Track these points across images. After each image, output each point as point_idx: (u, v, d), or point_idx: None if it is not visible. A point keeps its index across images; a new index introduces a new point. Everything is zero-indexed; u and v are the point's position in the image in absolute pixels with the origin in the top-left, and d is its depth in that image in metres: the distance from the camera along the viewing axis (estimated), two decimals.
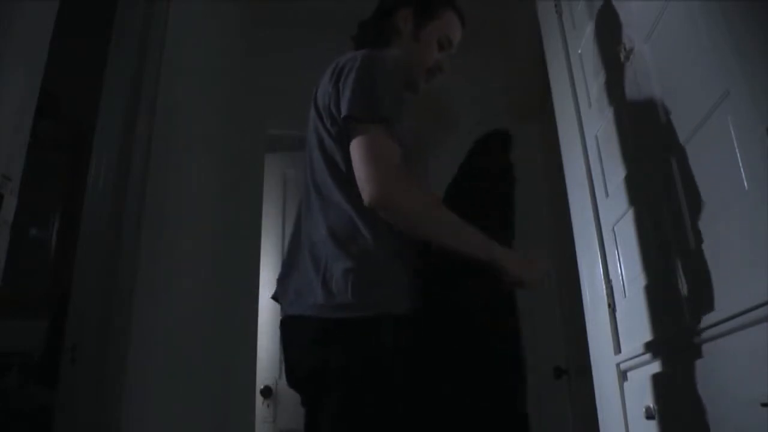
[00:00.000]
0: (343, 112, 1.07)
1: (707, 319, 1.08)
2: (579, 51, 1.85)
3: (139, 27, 1.76)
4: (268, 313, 2.77)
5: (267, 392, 2.71)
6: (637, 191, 1.45)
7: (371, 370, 1.01)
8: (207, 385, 2.09)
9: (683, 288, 1.21)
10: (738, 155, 0.99)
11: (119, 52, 1.73)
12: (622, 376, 1.51)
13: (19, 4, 1.05)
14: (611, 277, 1.61)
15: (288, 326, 1.16)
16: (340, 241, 1.08)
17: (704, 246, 1.13)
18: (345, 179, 1.10)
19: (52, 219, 2.71)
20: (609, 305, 1.59)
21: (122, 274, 1.53)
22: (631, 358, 1.45)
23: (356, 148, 1.05)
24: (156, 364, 1.68)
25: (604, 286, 1.62)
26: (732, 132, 1.01)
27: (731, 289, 1.02)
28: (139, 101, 1.69)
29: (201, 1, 2.28)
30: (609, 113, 1.59)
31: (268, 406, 2.72)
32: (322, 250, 1.09)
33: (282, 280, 1.21)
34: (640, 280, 1.41)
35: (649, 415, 1.32)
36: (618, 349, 1.54)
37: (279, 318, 1.21)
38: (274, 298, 1.25)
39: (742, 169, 0.98)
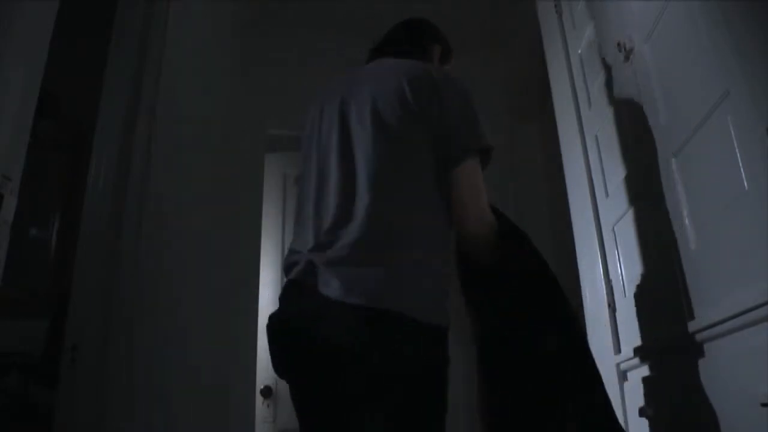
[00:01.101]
0: (465, 140, 1.11)
1: (707, 319, 1.08)
2: (579, 51, 1.85)
3: (139, 27, 1.76)
4: (268, 313, 2.77)
5: (267, 392, 2.72)
6: (637, 191, 1.45)
7: (436, 379, 1.00)
8: (207, 385, 2.09)
9: (683, 288, 1.20)
10: (738, 155, 0.99)
11: (119, 52, 1.73)
12: (622, 376, 1.51)
13: (19, 4, 1.05)
14: (611, 277, 1.61)
15: (343, 312, 0.99)
16: (428, 242, 1.05)
17: (704, 246, 1.13)
18: (430, 178, 1.09)
19: (52, 219, 2.71)
20: (609, 305, 1.59)
21: (122, 274, 1.53)
22: (631, 358, 1.45)
23: (465, 180, 1.10)
24: (156, 364, 1.68)
25: (604, 286, 1.62)
26: (732, 132, 1.01)
27: (731, 289, 1.02)
28: (139, 101, 1.69)
29: (201, 1, 2.28)
30: (609, 113, 1.59)
31: (268, 406, 2.72)
32: (387, 240, 1.02)
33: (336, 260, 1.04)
34: (640, 280, 1.42)
35: (648, 415, 1.32)
36: (618, 349, 1.54)
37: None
38: (297, 278, 1.08)
39: (742, 169, 0.98)
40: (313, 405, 1.08)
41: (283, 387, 2.71)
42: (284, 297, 1.13)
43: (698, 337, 1.13)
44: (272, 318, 1.13)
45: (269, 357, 1.14)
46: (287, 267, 1.14)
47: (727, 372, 1.04)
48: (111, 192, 1.59)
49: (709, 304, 1.09)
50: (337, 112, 1.19)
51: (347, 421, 0.99)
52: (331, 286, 1.01)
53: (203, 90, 2.21)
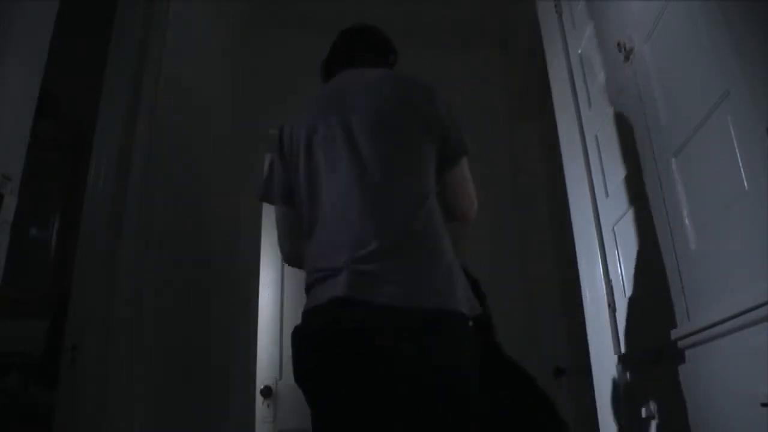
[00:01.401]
0: (460, 141, 1.21)
1: (707, 319, 1.08)
2: (579, 51, 1.86)
3: (139, 27, 1.76)
4: (268, 313, 2.77)
5: (267, 392, 2.71)
6: (637, 191, 1.45)
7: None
8: (207, 385, 2.09)
9: (683, 288, 1.21)
10: (738, 155, 0.99)
11: (119, 52, 1.73)
12: (623, 376, 1.51)
13: (19, 4, 1.05)
14: (611, 277, 1.61)
15: (407, 317, 1.00)
16: (448, 241, 1.11)
17: (704, 246, 1.13)
18: (428, 180, 1.15)
19: (52, 219, 2.70)
20: (609, 305, 1.59)
21: (122, 274, 1.53)
22: (630, 358, 1.45)
23: (463, 176, 1.24)
24: (156, 364, 1.68)
25: (604, 286, 1.62)
26: (732, 132, 1.01)
27: (731, 289, 1.02)
28: (139, 101, 1.69)
29: (201, 1, 2.28)
30: (609, 113, 1.59)
31: (268, 406, 2.72)
32: (429, 242, 1.08)
33: (381, 269, 1.04)
34: (640, 280, 1.42)
35: (648, 415, 1.32)
36: (618, 349, 1.54)
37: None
38: (345, 297, 1.02)
39: (742, 169, 0.98)
40: (367, 414, 1.02)
41: (283, 387, 2.71)
42: (324, 311, 1.05)
43: (698, 337, 1.13)
44: (312, 329, 1.08)
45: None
46: (316, 282, 1.09)
47: (727, 372, 1.04)
48: (111, 192, 1.59)
49: (709, 304, 1.09)
50: (338, 126, 1.16)
51: (419, 422, 0.97)
52: (384, 294, 1.01)
53: (203, 90, 2.21)
